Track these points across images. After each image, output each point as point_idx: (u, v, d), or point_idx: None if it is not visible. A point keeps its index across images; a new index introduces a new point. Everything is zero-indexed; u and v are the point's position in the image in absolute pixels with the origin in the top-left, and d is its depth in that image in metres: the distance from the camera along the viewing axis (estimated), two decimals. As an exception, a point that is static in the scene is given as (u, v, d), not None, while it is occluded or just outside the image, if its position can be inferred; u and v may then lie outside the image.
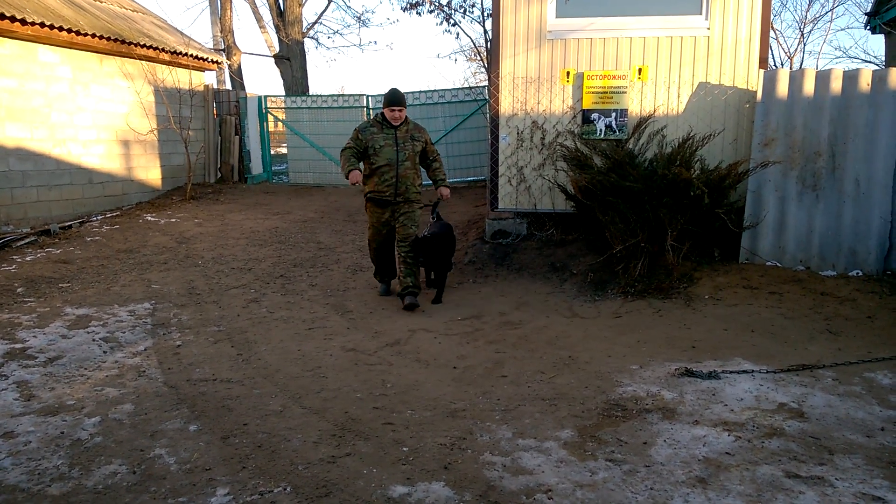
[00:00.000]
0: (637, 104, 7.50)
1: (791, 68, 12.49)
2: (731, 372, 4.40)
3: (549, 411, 3.90)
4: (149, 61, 11.75)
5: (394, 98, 6.16)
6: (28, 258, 8.04)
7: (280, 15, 17.53)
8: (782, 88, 6.59)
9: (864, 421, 3.67)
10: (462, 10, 15.12)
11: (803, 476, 3.07)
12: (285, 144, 14.88)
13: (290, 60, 17.50)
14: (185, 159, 12.18)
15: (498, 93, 7.81)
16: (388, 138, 6.17)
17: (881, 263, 6.33)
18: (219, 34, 18.16)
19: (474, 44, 16.83)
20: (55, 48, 9.98)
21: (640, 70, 7.45)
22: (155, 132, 11.96)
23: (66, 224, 9.77)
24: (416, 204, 6.41)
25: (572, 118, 7.66)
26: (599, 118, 7.53)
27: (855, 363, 4.53)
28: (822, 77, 6.50)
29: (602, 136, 7.50)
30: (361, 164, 6.31)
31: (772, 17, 7.48)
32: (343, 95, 13.96)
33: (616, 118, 7.49)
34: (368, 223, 6.49)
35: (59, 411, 3.94)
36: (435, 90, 13.16)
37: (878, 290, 5.89)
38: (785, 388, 4.15)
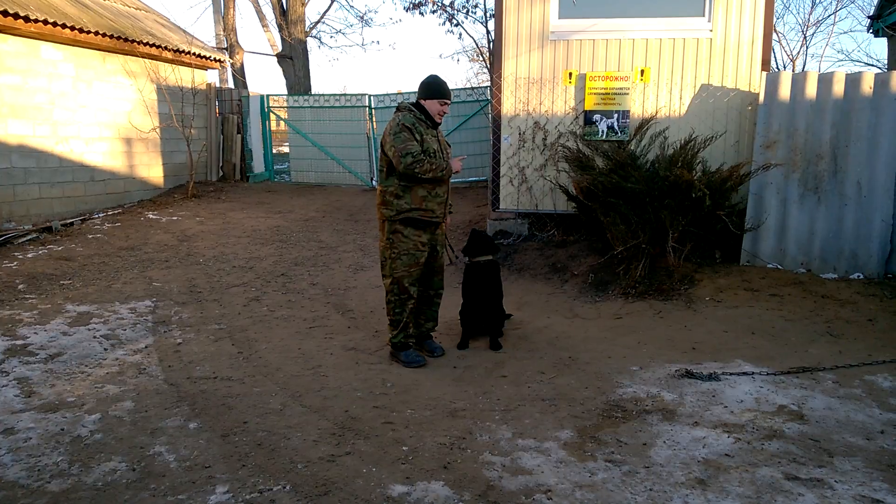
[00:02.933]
0: (639, 106, 7.50)
1: (793, 71, 12.50)
2: (731, 374, 4.40)
3: (549, 412, 3.90)
4: (152, 59, 11.76)
5: (447, 90, 4.68)
6: (30, 255, 8.05)
7: (283, 14, 17.53)
8: (784, 91, 6.59)
9: (864, 424, 3.67)
10: (465, 11, 15.12)
11: (803, 478, 3.07)
12: (287, 143, 14.89)
13: (293, 59, 17.51)
14: (187, 157, 12.19)
15: (500, 93, 7.81)
16: (436, 141, 4.65)
17: (882, 266, 6.33)
18: (222, 33, 18.16)
19: (477, 44, 16.81)
20: (58, 45, 9.99)
21: (642, 71, 7.45)
22: (157, 130, 11.97)
23: (68, 221, 9.78)
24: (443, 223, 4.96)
25: (574, 119, 7.66)
26: (601, 119, 7.53)
27: (855, 366, 4.53)
28: (825, 80, 6.50)
29: (604, 137, 7.50)
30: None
31: (774, 19, 7.48)
32: (345, 95, 13.97)
33: (618, 119, 7.49)
34: (395, 254, 4.68)
35: (60, 408, 3.95)
36: (437, 90, 13.15)
37: (879, 293, 5.88)
38: (785, 390, 4.15)
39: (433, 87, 4.65)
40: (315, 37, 19.97)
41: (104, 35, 10.39)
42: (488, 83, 13.05)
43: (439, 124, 4.76)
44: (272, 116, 14.46)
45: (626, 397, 4.10)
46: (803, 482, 3.03)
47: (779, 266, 6.59)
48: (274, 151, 14.77)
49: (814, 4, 28.56)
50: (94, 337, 5.33)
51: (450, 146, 4.92)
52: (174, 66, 12.34)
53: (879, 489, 2.97)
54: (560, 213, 7.82)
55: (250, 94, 14.35)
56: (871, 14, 12.32)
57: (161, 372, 4.60)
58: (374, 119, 13.49)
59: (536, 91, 7.71)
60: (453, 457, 3.33)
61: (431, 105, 4.64)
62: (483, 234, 5.38)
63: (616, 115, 7.50)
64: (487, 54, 14.86)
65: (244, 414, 3.88)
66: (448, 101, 4.68)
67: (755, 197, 6.66)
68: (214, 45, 17.63)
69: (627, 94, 7.46)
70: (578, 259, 7.16)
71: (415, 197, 4.57)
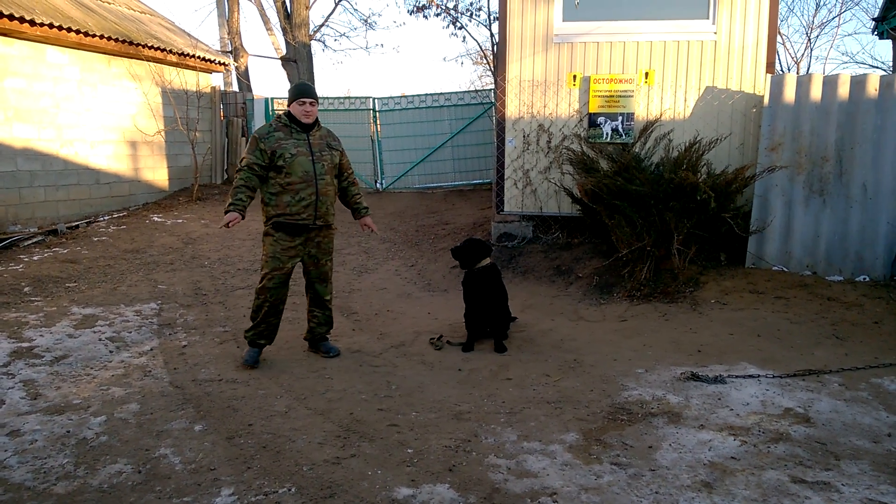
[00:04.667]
0: (644, 108, 7.50)
1: (798, 73, 12.47)
2: (737, 376, 4.38)
3: (555, 414, 3.89)
4: (156, 63, 11.80)
5: (303, 89, 4.75)
6: (35, 258, 8.07)
7: (287, 17, 17.56)
8: (789, 93, 6.58)
9: (870, 426, 3.65)
10: (469, 14, 15.18)
11: (809, 481, 3.05)
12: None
13: (297, 63, 17.52)
14: (191, 160, 12.22)
15: (504, 96, 7.81)
16: (301, 145, 4.70)
17: (888, 269, 6.31)
18: (226, 36, 18.21)
19: (481, 47, 16.83)
20: (63, 49, 10.02)
21: (646, 74, 7.44)
22: (162, 133, 12.01)
23: (74, 224, 9.81)
24: (332, 231, 5.04)
25: (578, 122, 7.66)
26: (606, 122, 7.52)
27: (861, 368, 4.51)
28: (830, 82, 6.49)
29: (608, 139, 7.50)
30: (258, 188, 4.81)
31: (779, 21, 7.47)
32: (349, 98, 13.98)
33: (623, 122, 7.49)
34: (265, 257, 4.81)
35: (65, 410, 3.95)
36: (441, 93, 13.18)
37: (885, 296, 5.86)
38: (791, 393, 4.13)
39: (291, 91, 4.79)
40: (319, 40, 20.00)
41: (109, 39, 10.42)
42: (492, 86, 13.06)
43: (312, 125, 4.78)
44: (276, 119, 14.46)
45: (632, 400, 4.09)
46: (810, 485, 3.02)
47: (784, 268, 6.57)
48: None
49: (818, 7, 28.54)
50: (100, 339, 5.34)
51: (336, 150, 4.89)
52: (179, 69, 12.38)
53: (887, 492, 2.95)
54: (565, 215, 7.82)
55: (255, 97, 14.38)
56: (875, 16, 12.31)
57: (166, 374, 4.61)
58: (378, 122, 13.50)
59: (540, 94, 7.71)
60: (458, 459, 3.33)
61: (294, 108, 4.72)
62: (473, 241, 5.33)
63: (620, 118, 7.50)
64: (491, 57, 14.88)
65: (249, 416, 3.89)
66: (307, 100, 4.70)
67: (760, 199, 6.65)
68: (219, 49, 17.67)
69: (632, 96, 7.45)
70: (583, 261, 7.15)
71: (280, 202, 4.69)
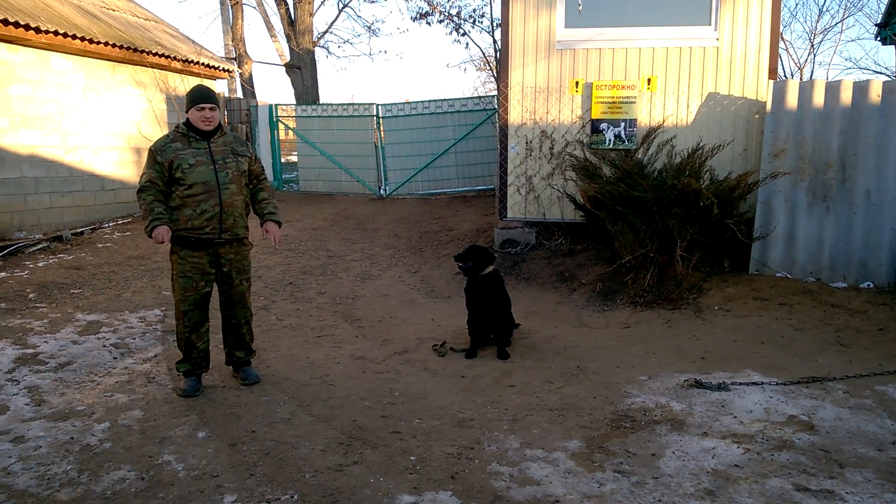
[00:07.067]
0: (646, 114, 7.50)
1: (801, 79, 12.48)
2: (740, 383, 4.37)
3: (558, 421, 3.89)
4: (161, 69, 11.85)
5: (201, 93, 4.37)
6: (40, 264, 8.10)
7: (291, 24, 17.65)
8: (792, 99, 6.58)
9: (875, 434, 3.64)
10: (472, 20, 15.20)
11: (813, 489, 3.04)
12: (295, 153, 14.95)
13: (301, 69, 17.60)
14: (195, 167, 12.23)
15: (507, 102, 7.83)
16: (201, 154, 4.31)
17: (892, 275, 6.29)
18: (230, 43, 18.31)
19: (484, 53, 16.86)
20: (68, 56, 10.08)
21: (649, 80, 7.45)
22: (166, 140, 12.04)
23: (78, 230, 9.84)
24: (246, 246, 4.66)
25: (581, 128, 7.67)
26: (608, 128, 7.53)
27: (866, 376, 4.49)
28: (832, 88, 6.49)
29: (611, 145, 7.50)
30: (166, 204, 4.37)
31: (781, 27, 7.48)
32: (353, 104, 14.01)
33: (625, 128, 7.50)
34: (174, 279, 4.46)
35: (69, 417, 3.96)
36: (444, 100, 13.21)
37: (890, 302, 5.85)
38: (795, 400, 4.12)
39: (188, 97, 4.41)
40: (323, 46, 20.08)
41: (114, 46, 10.48)
42: (495, 92, 13.08)
43: (213, 132, 4.40)
44: (280, 126, 14.52)
45: (635, 407, 4.08)
46: (814, 493, 3.01)
47: (788, 275, 6.56)
48: (282, 161, 14.83)
49: (821, 13, 28.62)
50: (104, 346, 5.36)
51: (244, 156, 4.50)
52: (183, 76, 12.43)
53: (891, 501, 2.94)
54: (568, 221, 7.82)
55: (259, 104, 14.43)
56: (878, 22, 12.32)
57: (170, 381, 4.62)
58: (381, 128, 13.53)
59: (543, 100, 7.73)
60: (461, 467, 3.32)
61: (192, 115, 4.36)
62: (476, 248, 5.32)
63: (623, 124, 7.50)
64: (494, 63, 14.92)
65: (252, 423, 3.89)
66: (206, 105, 4.33)
67: (763, 205, 6.64)
68: (223, 56, 17.75)
69: (634, 102, 7.46)
70: (586, 268, 7.15)
71: (181, 216, 4.31)
